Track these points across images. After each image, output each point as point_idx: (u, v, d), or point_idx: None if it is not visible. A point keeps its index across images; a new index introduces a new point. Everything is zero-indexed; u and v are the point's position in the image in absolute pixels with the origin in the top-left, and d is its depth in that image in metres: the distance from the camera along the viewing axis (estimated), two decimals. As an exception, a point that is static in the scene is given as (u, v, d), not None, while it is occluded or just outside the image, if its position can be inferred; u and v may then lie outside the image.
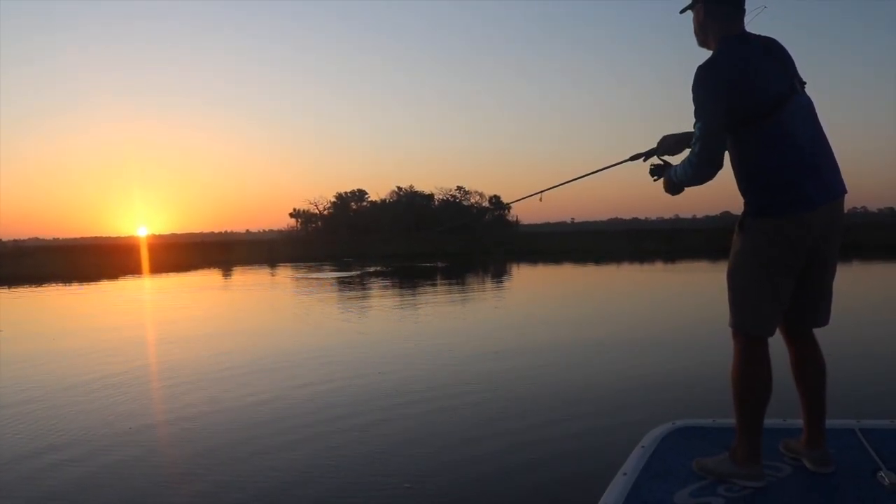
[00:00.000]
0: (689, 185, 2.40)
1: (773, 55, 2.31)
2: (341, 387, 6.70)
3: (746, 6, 2.36)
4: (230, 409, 5.95)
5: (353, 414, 5.67)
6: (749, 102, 2.22)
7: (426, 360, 8.06)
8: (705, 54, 2.40)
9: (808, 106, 2.31)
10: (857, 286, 16.01)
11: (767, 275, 2.27)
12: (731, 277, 2.36)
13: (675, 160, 2.51)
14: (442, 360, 7.98)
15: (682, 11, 2.47)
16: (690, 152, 2.30)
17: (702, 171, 2.27)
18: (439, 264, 32.65)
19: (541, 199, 3.09)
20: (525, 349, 8.64)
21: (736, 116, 2.24)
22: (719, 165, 2.26)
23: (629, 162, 2.68)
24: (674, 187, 2.47)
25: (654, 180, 2.57)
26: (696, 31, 2.45)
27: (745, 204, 2.33)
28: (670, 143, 2.57)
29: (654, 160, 2.59)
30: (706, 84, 2.26)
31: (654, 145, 2.61)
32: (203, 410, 5.94)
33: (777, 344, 2.48)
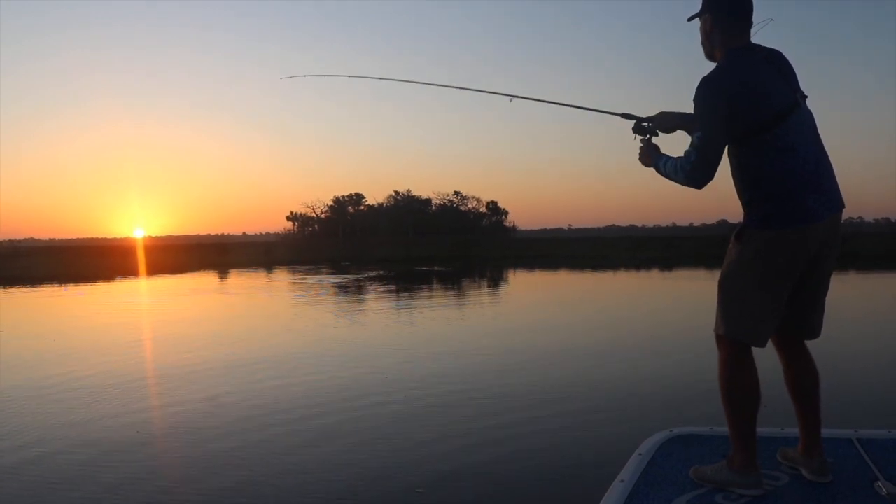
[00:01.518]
0: (674, 182, 2.40)
1: (777, 68, 2.31)
2: (343, 391, 6.68)
3: (753, 18, 2.34)
4: (230, 412, 5.92)
5: (353, 417, 5.66)
6: (753, 115, 2.22)
7: (426, 363, 8.04)
8: (707, 61, 2.40)
9: (810, 119, 2.32)
10: (854, 296, 16.05)
11: (767, 284, 2.26)
12: (726, 286, 2.35)
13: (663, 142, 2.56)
14: (440, 365, 7.96)
15: (689, 19, 2.45)
16: (685, 158, 2.30)
17: (693, 180, 2.30)
18: (437, 268, 32.66)
19: (510, 101, 3.19)
20: (524, 355, 8.63)
21: (739, 129, 2.24)
22: (710, 178, 2.28)
23: (620, 118, 2.70)
24: (653, 167, 2.50)
25: (634, 138, 2.63)
26: (702, 42, 2.43)
27: (746, 215, 2.32)
28: (665, 121, 2.60)
29: (644, 126, 2.63)
30: (709, 96, 2.25)
31: (651, 115, 2.64)
32: (202, 413, 5.91)
33: (769, 352, 2.48)
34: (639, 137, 2.63)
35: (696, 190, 2.34)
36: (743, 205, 2.35)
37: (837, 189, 2.33)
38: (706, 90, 2.26)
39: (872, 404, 5.70)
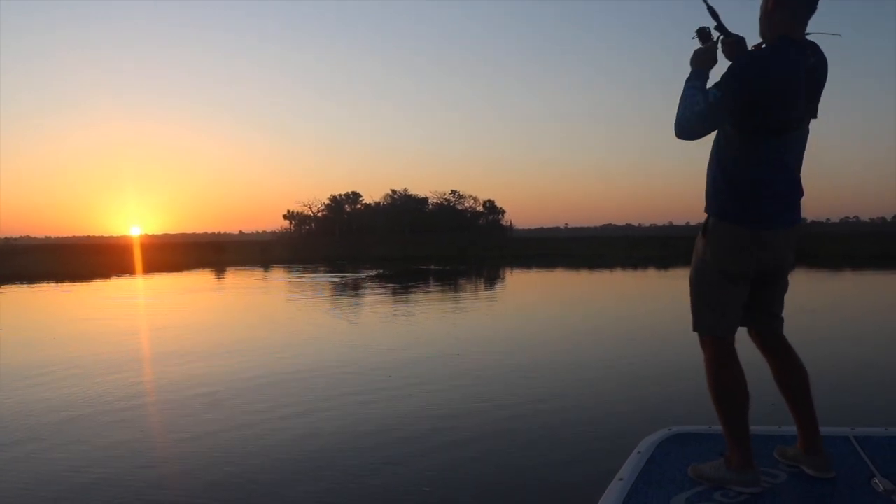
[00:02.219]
0: (677, 107, 2.29)
1: (814, 78, 2.26)
2: (340, 386, 6.69)
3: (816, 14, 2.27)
4: (215, 409, 5.93)
5: (353, 412, 5.67)
6: (771, 115, 2.21)
7: (424, 360, 8.04)
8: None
9: (806, 137, 2.34)
10: (850, 295, 16.10)
11: (726, 280, 2.31)
12: (696, 282, 2.40)
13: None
14: (437, 363, 7.96)
15: None
16: (693, 100, 2.24)
17: (684, 126, 2.24)
18: (433, 267, 32.65)
19: None
20: (522, 353, 8.65)
21: (750, 117, 2.22)
22: (696, 137, 2.25)
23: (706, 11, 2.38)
24: (690, 75, 2.35)
25: (692, 38, 2.40)
26: (760, 19, 2.33)
27: (714, 207, 2.34)
28: (734, 46, 2.37)
29: (712, 32, 2.37)
30: (749, 69, 2.20)
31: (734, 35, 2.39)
32: (195, 409, 5.92)
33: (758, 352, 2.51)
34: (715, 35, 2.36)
35: (678, 140, 2.27)
36: (712, 194, 2.35)
37: (799, 205, 2.37)
38: (751, 61, 2.22)
39: (869, 402, 5.71)
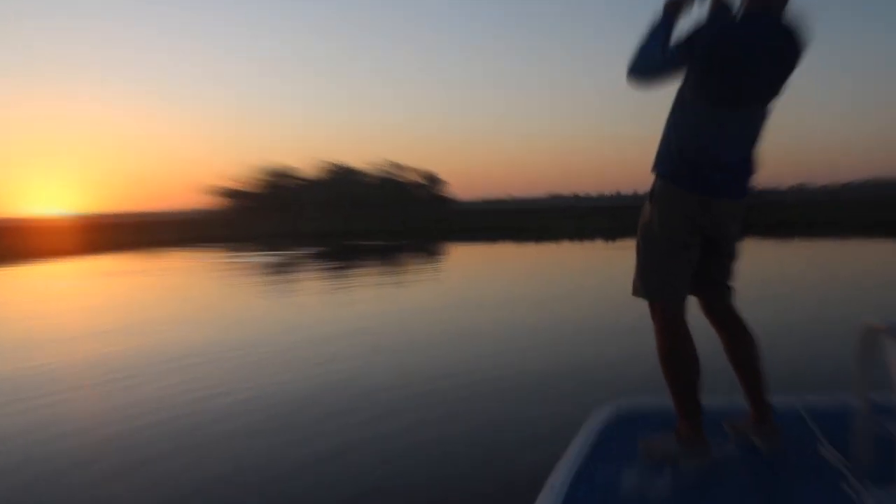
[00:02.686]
0: (636, 47, 2.25)
1: (784, 57, 2.18)
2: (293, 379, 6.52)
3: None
4: (122, 397, 5.68)
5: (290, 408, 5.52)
6: (730, 85, 2.15)
7: (363, 341, 7.93)
8: None
9: (766, 115, 2.29)
10: (799, 264, 16.82)
11: (673, 245, 2.29)
12: (643, 247, 2.38)
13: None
14: (378, 344, 7.88)
15: None
16: (652, 55, 2.21)
17: (638, 68, 2.24)
18: (374, 243, 32.38)
19: None
20: (471, 330, 8.61)
21: (708, 86, 2.17)
22: (646, 83, 2.26)
23: None
24: (660, 17, 2.27)
25: None
26: None
27: (659, 167, 2.32)
28: (721, 8, 2.25)
29: None
30: (716, 38, 2.14)
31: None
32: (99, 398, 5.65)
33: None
34: None
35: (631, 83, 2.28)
36: (664, 159, 2.32)
37: (747, 182, 2.35)
38: (720, 27, 2.16)
39: (817, 371, 5.81)
